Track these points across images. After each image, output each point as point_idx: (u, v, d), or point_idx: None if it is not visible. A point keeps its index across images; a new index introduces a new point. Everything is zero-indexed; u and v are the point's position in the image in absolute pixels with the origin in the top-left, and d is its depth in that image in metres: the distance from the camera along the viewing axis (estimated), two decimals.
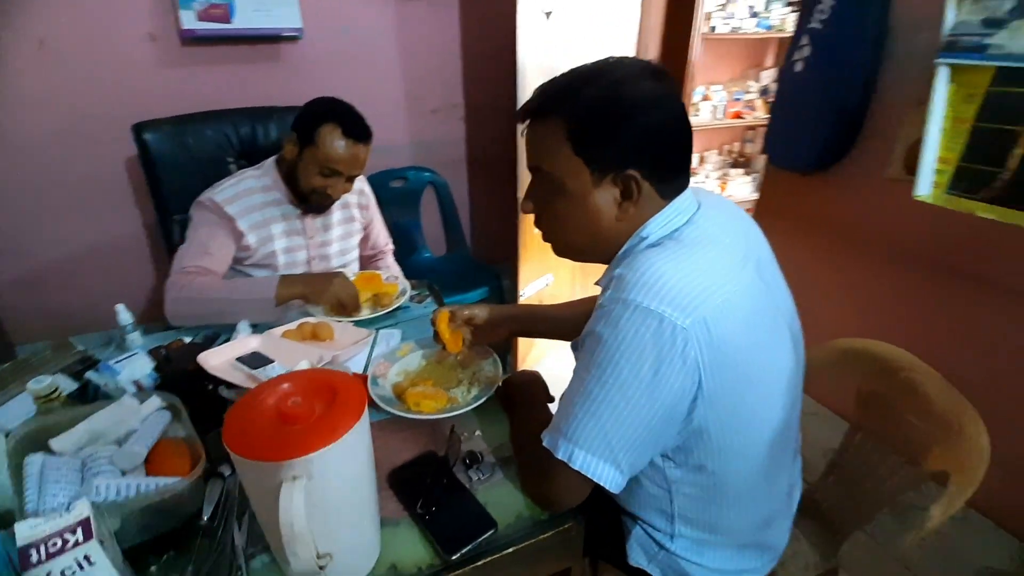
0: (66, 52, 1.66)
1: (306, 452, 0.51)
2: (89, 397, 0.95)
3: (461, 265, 2.35)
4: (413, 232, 2.36)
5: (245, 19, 1.79)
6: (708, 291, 0.62)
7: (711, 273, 0.64)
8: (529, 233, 2.16)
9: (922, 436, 0.88)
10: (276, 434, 0.54)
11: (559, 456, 0.66)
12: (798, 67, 1.46)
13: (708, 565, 0.77)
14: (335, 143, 1.19)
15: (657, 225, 0.69)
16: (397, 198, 2.24)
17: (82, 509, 0.56)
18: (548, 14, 1.80)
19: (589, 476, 0.64)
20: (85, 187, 1.82)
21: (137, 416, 0.74)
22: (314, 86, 1.98)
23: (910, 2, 1.26)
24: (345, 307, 1.20)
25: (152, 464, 0.70)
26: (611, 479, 0.65)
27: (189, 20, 1.73)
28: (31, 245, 1.83)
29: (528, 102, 0.71)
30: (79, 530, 0.54)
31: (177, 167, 1.49)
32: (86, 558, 0.54)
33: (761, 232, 0.81)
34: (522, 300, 2.22)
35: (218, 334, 1.13)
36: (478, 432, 0.89)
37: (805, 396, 1.72)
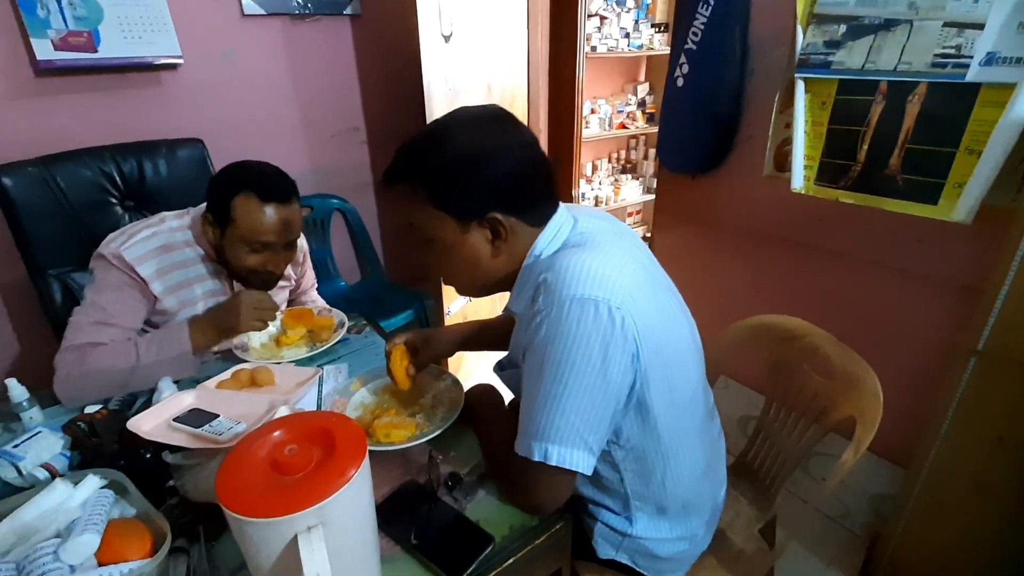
0: None
1: (318, 500, 0.49)
2: None
3: (380, 290, 2.30)
4: (325, 261, 2.27)
5: (113, 47, 1.62)
6: (622, 273, 0.70)
7: (616, 259, 0.73)
8: None
9: (827, 391, 1.03)
10: (277, 487, 0.51)
11: (536, 458, 0.69)
12: (679, 82, 1.64)
13: (666, 535, 0.85)
14: (255, 214, 1.05)
15: (546, 241, 0.77)
16: (304, 227, 2.13)
17: None
18: (447, 37, 1.85)
19: (567, 467, 0.69)
20: None
21: (75, 502, 0.65)
22: (200, 115, 1.85)
23: (764, 26, 1.49)
24: (263, 318, 1.11)
25: (104, 552, 0.61)
26: (585, 463, 0.70)
27: (44, 50, 1.52)
28: None
29: (388, 167, 0.77)
30: None
31: (49, 215, 1.31)
32: None
33: (629, 227, 0.91)
34: (448, 318, 2.22)
35: (135, 396, 1.01)
36: (452, 453, 0.89)
37: (721, 376, 1.91)
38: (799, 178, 1.28)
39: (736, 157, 1.65)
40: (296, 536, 0.48)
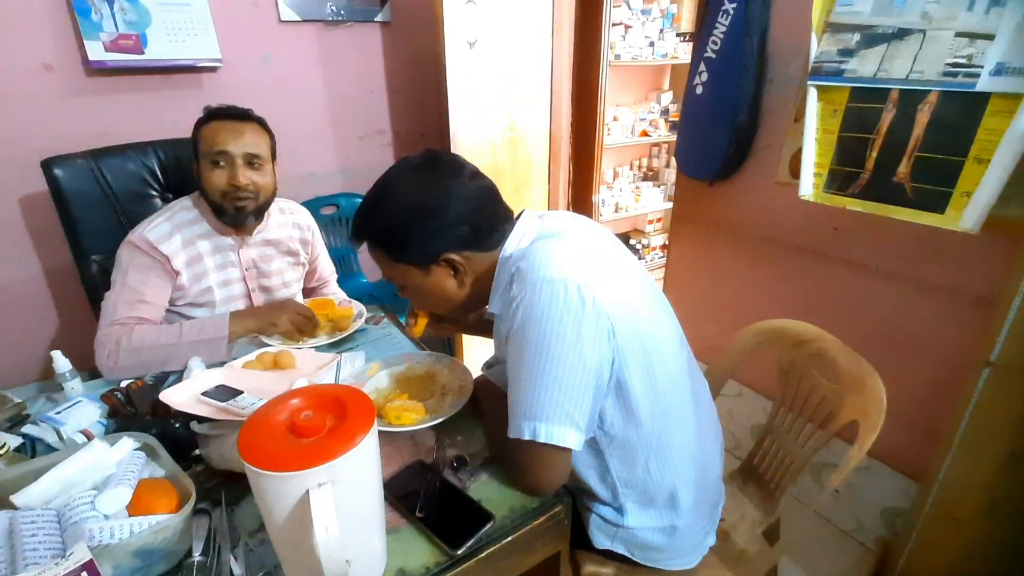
0: None
1: (328, 459, 0.54)
2: (27, 451, 0.88)
3: None
4: (348, 258, 2.34)
5: (159, 50, 1.72)
6: (591, 257, 0.76)
7: (586, 246, 0.79)
8: None
9: (834, 394, 1.04)
10: (292, 447, 0.56)
11: (525, 437, 0.72)
12: (698, 90, 1.66)
13: (656, 525, 0.86)
14: (212, 129, 1.17)
15: (513, 245, 0.82)
16: (329, 225, 2.22)
17: (82, 553, 0.54)
18: (472, 44, 1.91)
19: (555, 443, 0.72)
20: None
21: (111, 460, 0.71)
22: None
23: (782, 35, 1.50)
24: (303, 331, 1.19)
25: (135, 506, 0.67)
26: (573, 439, 0.73)
27: (96, 51, 1.63)
28: None
29: (351, 231, 0.86)
30: (84, 574, 0.53)
31: (94, 204, 1.40)
32: None
33: (599, 224, 0.95)
34: None
35: (167, 374, 1.08)
36: (459, 437, 0.93)
37: (735, 383, 1.91)
38: (807, 185, 1.29)
39: (753, 165, 1.66)
40: (308, 491, 0.53)
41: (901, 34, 1.08)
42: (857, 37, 1.15)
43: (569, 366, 0.70)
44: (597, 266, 0.75)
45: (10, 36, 1.55)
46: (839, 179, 1.23)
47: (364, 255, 2.43)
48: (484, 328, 1.13)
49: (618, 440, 0.80)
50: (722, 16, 1.55)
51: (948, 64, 0.99)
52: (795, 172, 1.50)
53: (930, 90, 1.04)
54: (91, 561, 0.53)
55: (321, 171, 2.21)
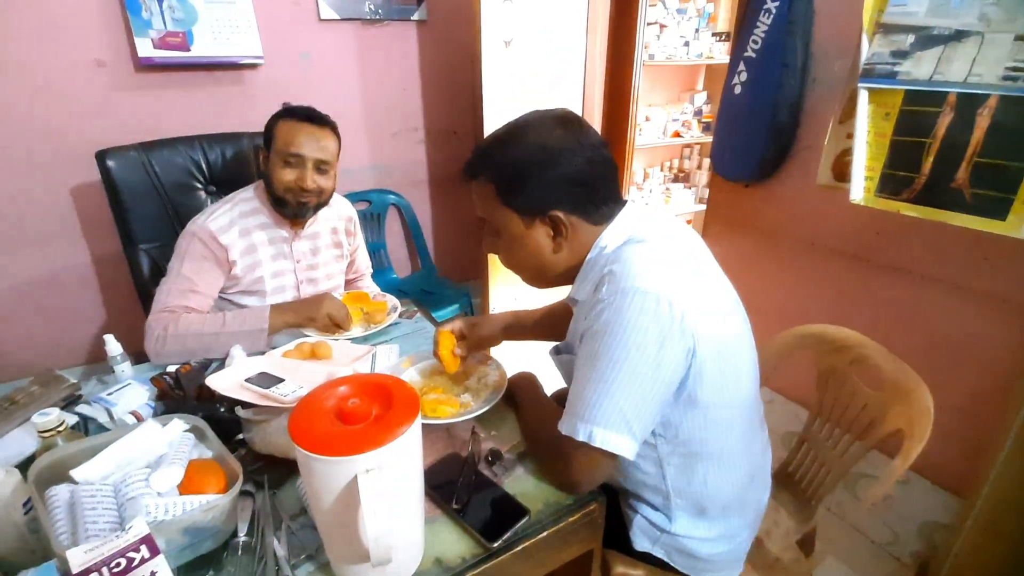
0: (4, 75, 1.58)
1: (377, 446, 0.55)
2: (81, 429, 0.92)
3: (429, 284, 2.38)
4: (379, 253, 2.38)
5: (204, 47, 1.78)
6: (685, 270, 0.74)
7: (681, 257, 0.77)
8: None
9: (876, 402, 1.01)
10: (340, 432, 0.57)
11: (580, 438, 0.72)
12: (737, 90, 1.64)
13: (705, 535, 0.85)
14: (291, 129, 1.21)
15: (611, 236, 0.80)
16: (361, 220, 2.25)
17: (141, 527, 0.57)
18: (508, 43, 1.91)
19: (609, 450, 0.71)
20: (26, 219, 1.72)
21: (163, 440, 0.73)
22: (275, 110, 1.99)
23: (827, 35, 1.47)
24: (339, 326, 1.22)
25: (186, 485, 0.69)
26: (628, 448, 0.72)
27: (145, 48, 1.69)
28: None
29: (465, 164, 0.83)
30: (143, 547, 0.55)
31: (143, 195, 1.45)
32: (152, 574, 0.54)
33: (694, 231, 0.93)
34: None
35: (210, 362, 1.11)
36: (493, 432, 0.94)
37: (768, 389, 1.88)
38: (859, 189, 1.26)
39: (792, 166, 1.63)
40: (356, 477, 0.54)
41: (959, 36, 1.04)
42: (911, 39, 1.12)
43: (642, 378, 0.69)
44: (689, 278, 0.74)
45: (66, 33, 1.62)
46: (892, 183, 1.20)
47: (395, 250, 2.46)
48: (521, 335, 1.14)
49: (680, 450, 0.79)
50: (764, 15, 1.52)
51: (1008, 68, 0.96)
52: (838, 174, 1.46)
53: (989, 94, 1.00)
54: (149, 535, 0.56)
55: (354, 167, 2.25)
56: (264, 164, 1.25)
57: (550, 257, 0.82)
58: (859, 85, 1.21)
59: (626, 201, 0.84)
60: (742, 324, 0.83)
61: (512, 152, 0.77)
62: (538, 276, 0.86)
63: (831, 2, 1.45)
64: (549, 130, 0.78)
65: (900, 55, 1.14)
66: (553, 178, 0.76)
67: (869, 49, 1.20)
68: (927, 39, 1.11)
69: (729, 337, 0.77)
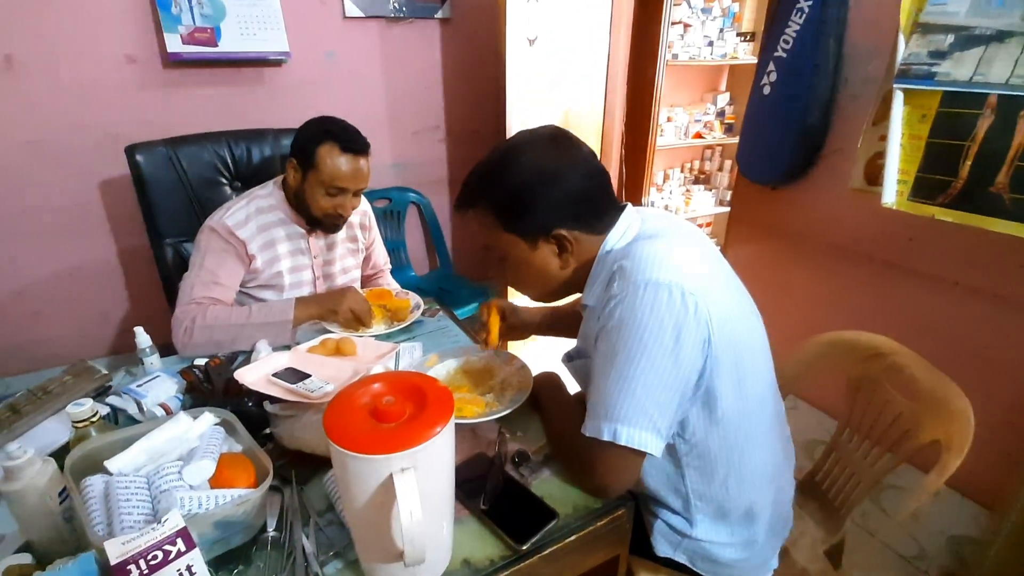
0: (36, 70, 1.61)
1: (412, 445, 0.54)
2: (111, 420, 0.93)
3: (448, 282, 2.38)
4: (398, 251, 2.38)
5: (231, 43, 1.79)
6: (696, 263, 0.74)
7: (690, 250, 0.77)
8: None
9: (911, 413, 0.99)
10: (374, 430, 0.57)
11: (605, 438, 0.71)
12: (765, 90, 1.61)
13: (727, 540, 0.84)
14: (336, 161, 1.19)
15: (615, 239, 0.80)
16: (381, 218, 2.26)
17: (177, 520, 0.57)
18: (532, 41, 1.90)
19: (635, 447, 0.70)
20: (56, 212, 1.75)
21: (195, 433, 0.74)
22: (299, 108, 2.00)
23: (861, 35, 1.44)
24: (361, 320, 1.22)
25: (217, 479, 0.70)
26: (654, 444, 0.71)
27: (174, 44, 1.71)
28: None
29: (458, 196, 0.83)
30: (179, 541, 0.55)
31: (170, 189, 1.47)
32: (188, 568, 0.54)
33: (700, 229, 0.92)
34: None
35: (236, 355, 1.12)
36: (519, 432, 0.93)
37: (791, 396, 1.84)
38: (891, 192, 1.23)
39: (821, 169, 1.60)
40: (391, 475, 0.53)
41: (1001, 36, 1.01)
42: (951, 39, 1.09)
43: (661, 371, 0.68)
44: (700, 271, 0.73)
45: (97, 29, 1.64)
46: (926, 187, 1.17)
47: (413, 248, 2.47)
48: (554, 330, 1.13)
49: (699, 451, 0.78)
50: (796, 14, 1.50)
51: None
52: (870, 178, 1.43)
53: None
54: (185, 529, 0.56)
55: (375, 164, 2.22)
56: (296, 180, 1.25)
57: (557, 274, 0.83)
58: (895, 86, 1.18)
59: (624, 205, 0.83)
60: (756, 321, 0.82)
61: (509, 178, 0.77)
62: (549, 292, 0.87)
63: (866, 1, 1.42)
64: (542, 150, 0.78)
65: (938, 56, 1.11)
66: (553, 198, 0.76)
67: (906, 49, 1.17)
68: (967, 39, 1.08)
69: (743, 332, 0.76)
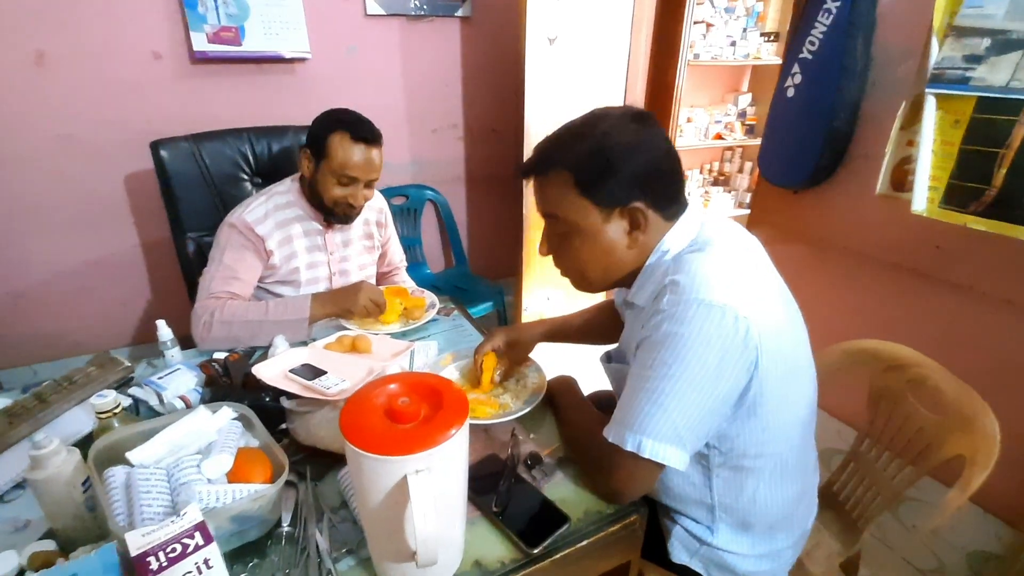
0: (67, 66, 1.65)
1: (428, 447, 0.54)
2: (133, 411, 0.95)
3: (463, 281, 2.39)
4: (414, 248, 2.39)
5: (255, 42, 1.82)
6: (749, 281, 0.71)
7: (744, 267, 0.74)
8: (532, 251, 2.23)
9: (933, 426, 0.96)
10: (390, 431, 0.57)
11: (628, 448, 0.70)
12: (790, 92, 1.58)
13: (747, 552, 0.82)
14: (347, 150, 1.19)
15: (674, 239, 0.78)
16: (398, 215, 2.28)
17: (195, 514, 0.58)
18: (552, 40, 1.89)
19: (659, 461, 0.69)
20: (83, 204, 1.79)
21: (213, 427, 0.75)
22: (321, 104, 1.99)
23: (891, 37, 1.40)
24: (379, 308, 1.23)
25: (235, 473, 0.71)
26: (677, 458, 0.70)
27: (200, 42, 1.74)
28: (15, 266, 1.77)
29: (530, 160, 0.81)
30: (197, 534, 0.56)
31: (193, 184, 1.49)
32: (205, 562, 0.55)
33: (755, 237, 0.89)
34: (525, 315, 2.27)
35: (253, 350, 1.14)
36: (532, 435, 0.93)
37: None
38: (921, 200, 1.20)
39: (846, 174, 1.56)
40: (406, 477, 0.54)
41: None
42: (987, 43, 1.06)
43: (699, 391, 0.67)
44: (753, 288, 0.71)
45: (125, 26, 1.68)
46: (959, 195, 1.14)
47: (430, 246, 2.48)
48: (557, 338, 1.12)
49: (731, 463, 0.77)
50: (823, 15, 1.46)
51: None
52: (897, 184, 1.40)
53: None
54: (203, 522, 0.57)
55: (394, 162, 2.27)
56: (310, 170, 1.25)
57: (620, 255, 0.79)
58: (926, 91, 1.15)
59: (688, 203, 0.81)
60: (805, 339, 0.80)
61: (592, 142, 0.74)
62: (601, 276, 0.82)
63: (896, 2, 1.38)
64: (625, 123, 0.76)
65: (974, 60, 1.08)
66: (639, 166, 0.73)
67: (939, 53, 1.14)
68: (1005, 43, 1.04)
69: (794, 352, 0.75)
